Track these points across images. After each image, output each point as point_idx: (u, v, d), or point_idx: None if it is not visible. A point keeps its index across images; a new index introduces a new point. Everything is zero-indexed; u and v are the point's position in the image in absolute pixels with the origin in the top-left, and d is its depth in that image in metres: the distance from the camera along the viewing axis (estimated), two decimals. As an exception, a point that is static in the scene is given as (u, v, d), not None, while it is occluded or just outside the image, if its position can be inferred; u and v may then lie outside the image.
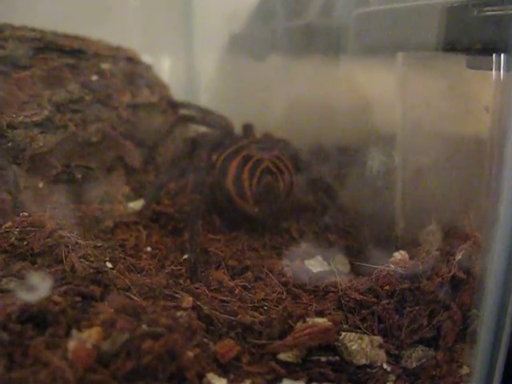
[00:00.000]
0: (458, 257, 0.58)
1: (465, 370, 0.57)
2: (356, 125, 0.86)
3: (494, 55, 0.59)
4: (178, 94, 1.07)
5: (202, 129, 0.95)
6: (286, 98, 1.03)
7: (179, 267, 0.64)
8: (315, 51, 0.94)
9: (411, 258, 0.62)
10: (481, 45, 0.59)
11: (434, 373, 0.56)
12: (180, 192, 0.83)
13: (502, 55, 0.58)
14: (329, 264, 0.69)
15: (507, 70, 0.59)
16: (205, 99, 1.23)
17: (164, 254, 0.68)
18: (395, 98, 0.77)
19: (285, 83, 1.03)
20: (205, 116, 0.95)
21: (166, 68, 1.22)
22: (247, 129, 0.93)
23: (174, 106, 0.99)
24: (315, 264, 0.68)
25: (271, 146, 0.80)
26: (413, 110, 0.76)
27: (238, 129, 0.94)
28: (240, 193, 0.74)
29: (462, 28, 0.61)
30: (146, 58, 1.02)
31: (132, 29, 1.10)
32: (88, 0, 1.07)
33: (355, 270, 0.68)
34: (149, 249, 0.69)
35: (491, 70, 0.60)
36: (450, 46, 0.63)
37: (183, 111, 1.00)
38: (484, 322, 0.56)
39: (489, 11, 0.58)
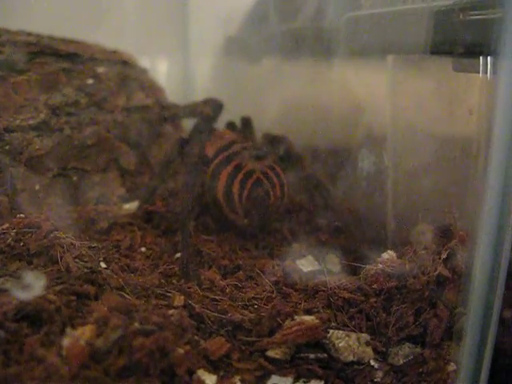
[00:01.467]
0: (444, 256, 0.59)
1: (452, 367, 0.58)
2: (348, 126, 0.88)
3: (481, 58, 0.60)
4: (174, 96, 1.08)
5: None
6: (279, 99, 1.04)
7: (172, 267, 0.65)
8: (308, 54, 0.95)
9: (399, 257, 0.63)
10: (467, 48, 0.60)
11: (421, 370, 0.57)
12: (172, 192, 0.84)
13: (489, 58, 0.59)
14: (319, 263, 0.70)
15: (493, 72, 0.60)
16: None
17: (158, 254, 0.69)
18: (386, 100, 0.78)
19: (279, 85, 1.04)
20: (188, 108, 0.94)
21: (162, 71, 1.24)
22: (246, 122, 0.91)
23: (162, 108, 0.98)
24: (306, 264, 0.69)
25: (265, 152, 0.78)
26: (403, 112, 0.77)
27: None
28: (230, 204, 0.73)
29: (449, 31, 0.62)
30: (143, 61, 1.03)
31: (128, 32, 1.11)
32: (85, 3, 1.08)
33: (345, 270, 0.69)
34: (143, 249, 0.70)
35: (477, 72, 0.61)
36: (438, 49, 0.64)
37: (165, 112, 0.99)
38: (470, 319, 0.57)
39: (474, 15, 0.60)
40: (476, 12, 0.59)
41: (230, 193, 0.73)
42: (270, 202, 0.72)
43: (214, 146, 0.82)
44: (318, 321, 0.53)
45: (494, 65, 0.59)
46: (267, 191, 0.72)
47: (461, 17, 0.61)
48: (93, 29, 0.97)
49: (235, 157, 0.76)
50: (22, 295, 0.50)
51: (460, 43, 0.61)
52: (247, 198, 0.72)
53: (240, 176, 0.73)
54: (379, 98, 0.80)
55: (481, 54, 0.59)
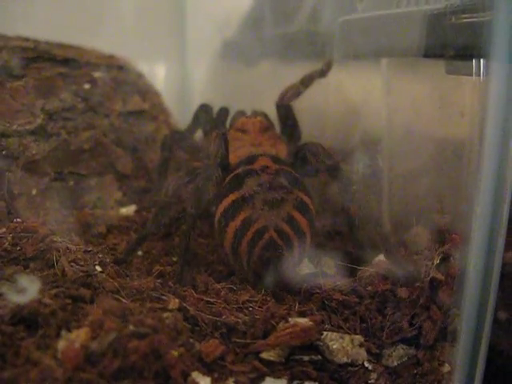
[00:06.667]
0: (438, 258, 0.59)
1: (446, 368, 0.58)
2: (342, 129, 0.88)
3: (473, 60, 0.61)
4: (171, 100, 1.09)
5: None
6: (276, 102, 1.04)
7: (168, 271, 0.66)
8: (304, 57, 0.96)
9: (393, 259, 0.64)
10: (459, 51, 0.61)
11: (415, 371, 0.57)
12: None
13: (481, 60, 0.60)
14: (315, 266, 0.70)
15: (486, 74, 0.60)
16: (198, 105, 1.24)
17: (154, 258, 0.70)
18: (380, 103, 0.78)
19: (275, 88, 1.04)
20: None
21: (159, 75, 1.24)
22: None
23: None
24: (302, 266, 0.69)
25: (285, 193, 0.63)
26: (397, 114, 0.77)
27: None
28: (237, 263, 0.64)
29: (442, 34, 0.63)
30: (140, 66, 1.03)
31: (125, 37, 1.12)
32: (83, 8, 1.09)
33: (341, 272, 0.69)
34: (139, 253, 0.71)
35: (470, 75, 0.61)
36: (431, 52, 0.65)
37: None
38: (464, 321, 0.58)
39: (466, 18, 0.60)
40: (467, 15, 0.60)
41: (237, 253, 0.62)
42: (284, 265, 0.61)
43: (238, 150, 0.74)
44: (311, 323, 0.53)
45: (486, 67, 0.59)
46: (280, 255, 0.61)
47: (453, 20, 0.61)
48: (90, 34, 0.98)
49: (244, 204, 0.62)
50: (18, 299, 0.50)
51: (452, 46, 0.61)
52: (256, 262, 0.61)
53: (249, 235, 0.61)
54: (373, 101, 0.80)
55: (473, 56, 0.60)
